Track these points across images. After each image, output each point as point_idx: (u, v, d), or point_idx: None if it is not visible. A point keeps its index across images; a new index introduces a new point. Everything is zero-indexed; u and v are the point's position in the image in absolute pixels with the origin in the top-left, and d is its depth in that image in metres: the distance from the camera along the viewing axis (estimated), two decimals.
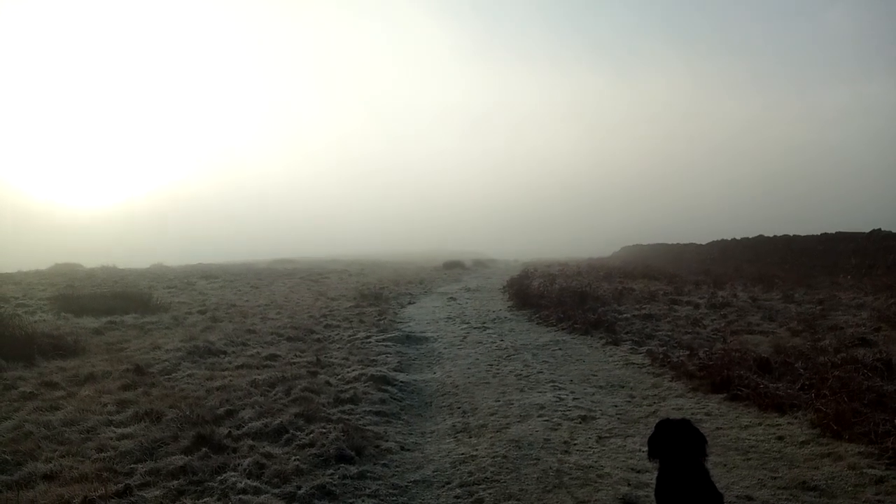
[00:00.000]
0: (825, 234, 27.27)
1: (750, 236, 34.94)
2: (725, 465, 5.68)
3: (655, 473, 3.85)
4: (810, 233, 28.64)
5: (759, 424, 6.79)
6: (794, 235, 30.19)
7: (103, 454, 5.95)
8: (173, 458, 5.79)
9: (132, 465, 5.71)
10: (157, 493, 5.11)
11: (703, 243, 42.40)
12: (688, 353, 10.20)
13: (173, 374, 9.40)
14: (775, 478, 5.36)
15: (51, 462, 5.70)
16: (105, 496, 4.93)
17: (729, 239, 37.84)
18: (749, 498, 4.98)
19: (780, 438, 6.31)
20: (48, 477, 5.41)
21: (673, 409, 7.55)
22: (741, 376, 8.15)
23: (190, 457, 5.76)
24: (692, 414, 7.26)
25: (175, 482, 5.30)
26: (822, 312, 14.54)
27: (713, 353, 9.85)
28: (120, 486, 5.15)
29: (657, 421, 4.04)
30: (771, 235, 32.48)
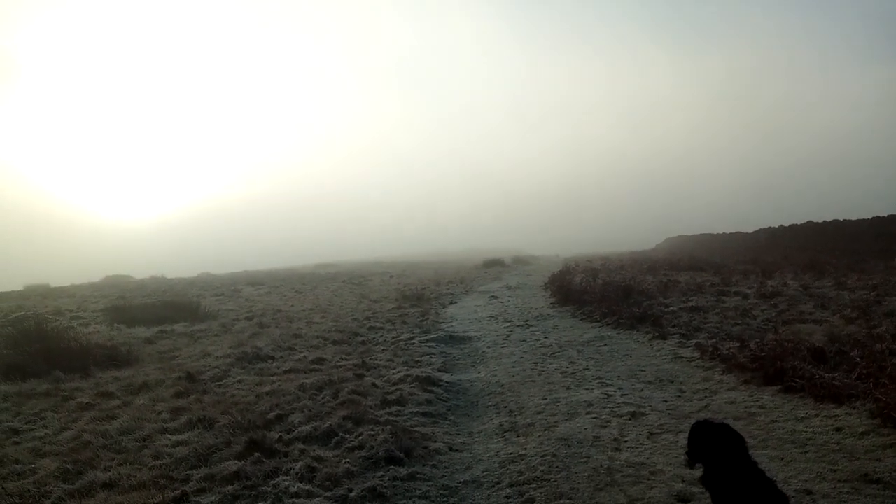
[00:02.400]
0: (877, 217, 26.41)
1: (798, 223, 34.03)
2: (783, 459, 5.54)
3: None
4: (861, 216, 27.79)
5: (816, 416, 6.60)
6: (844, 220, 29.32)
7: (159, 461, 6.10)
8: (227, 463, 5.90)
9: (188, 472, 5.83)
10: (213, 498, 5.21)
11: (750, 231, 41.44)
12: (738, 344, 9.97)
13: (224, 381, 9.58)
14: (835, 470, 5.20)
15: (109, 471, 5.86)
16: (163, 503, 5.05)
17: (776, 226, 36.90)
18: (808, 492, 4.84)
19: (839, 430, 6.12)
20: (107, 485, 5.57)
21: (725, 402, 7.40)
22: (795, 367, 7.93)
23: (243, 462, 5.86)
24: (746, 407, 7.11)
25: (230, 487, 5.40)
26: (877, 298, 14.07)
27: (765, 344, 9.60)
28: (177, 492, 5.28)
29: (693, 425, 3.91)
30: (820, 221, 31.58)
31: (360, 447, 6.31)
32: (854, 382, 7.24)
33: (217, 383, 9.44)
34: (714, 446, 3.63)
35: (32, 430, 7.39)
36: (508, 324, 15.55)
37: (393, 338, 13.62)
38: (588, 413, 7.34)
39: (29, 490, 5.52)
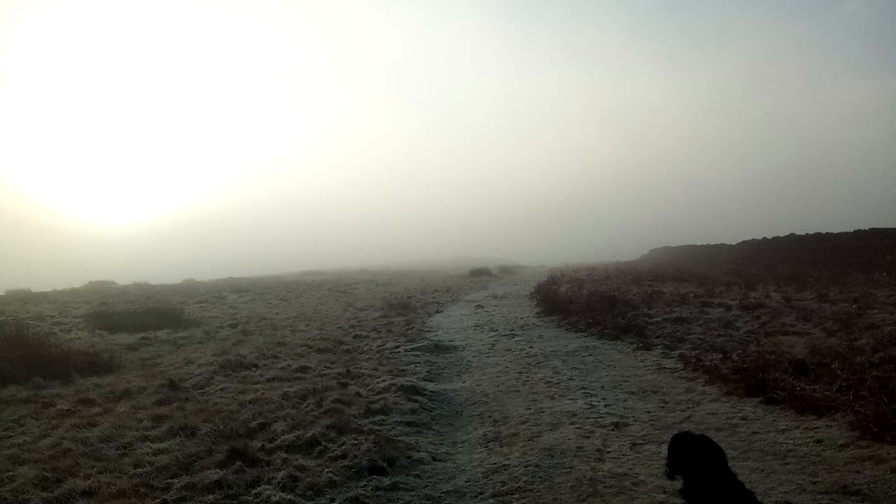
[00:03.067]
0: (858, 230, 26.76)
1: (781, 235, 34.40)
2: (763, 471, 5.58)
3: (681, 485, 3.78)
4: (843, 230, 28.15)
5: (797, 428, 6.66)
6: (826, 233, 29.69)
7: (140, 470, 6.03)
8: (208, 472, 5.84)
9: (168, 480, 5.77)
10: None
11: (734, 243, 41.86)
12: (721, 356, 10.05)
13: (206, 389, 9.50)
14: (815, 482, 5.25)
15: (89, 478, 5.79)
16: None
17: (760, 238, 37.30)
18: None
19: (819, 441, 6.19)
20: (87, 493, 5.49)
21: (707, 413, 7.45)
22: (776, 379, 8.01)
23: (225, 471, 5.81)
24: (727, 419, 7.16)
25: (210, 496, 5.35)
26: (858, 311, 14.24)
27: (747, 356, 9.69)
28: (157, 501, 5.23)
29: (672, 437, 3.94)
30: (803, 234, 31.95)
31: (344, 456, 6.28)
32: (835, 394, 7.32)
33: (200, 391, 9.36)
34: (693, 458, 3.65)
35: (11, 436, 7.29)
36: (494, 333, 15.57)
37: (378, 346, 13.58)
38: (572, 423, 7.36)
39: (6, 498, 5.44)
